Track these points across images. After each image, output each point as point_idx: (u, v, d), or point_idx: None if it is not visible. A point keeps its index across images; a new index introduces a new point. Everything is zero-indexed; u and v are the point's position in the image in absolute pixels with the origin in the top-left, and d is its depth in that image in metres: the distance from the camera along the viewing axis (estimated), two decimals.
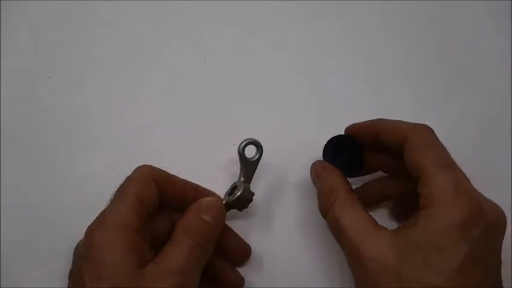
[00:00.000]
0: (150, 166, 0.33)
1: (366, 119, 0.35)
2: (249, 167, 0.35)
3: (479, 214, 0.27)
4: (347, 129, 0.36)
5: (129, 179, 0.33)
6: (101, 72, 0.44)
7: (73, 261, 0.31)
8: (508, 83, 0.43)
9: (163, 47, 0.45)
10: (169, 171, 0.34)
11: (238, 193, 0.34)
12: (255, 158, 0.35)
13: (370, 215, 0.31)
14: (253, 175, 0.35)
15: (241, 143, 0.34)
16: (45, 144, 0.42)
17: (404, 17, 0.46)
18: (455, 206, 0.27)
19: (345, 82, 0.44)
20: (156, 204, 0.33)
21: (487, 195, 0.29)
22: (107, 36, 0.46)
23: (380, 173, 0.37)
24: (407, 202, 0.34)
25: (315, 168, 0.35)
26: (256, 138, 0.35)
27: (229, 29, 0.46)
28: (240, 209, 0.35)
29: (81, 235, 0.30)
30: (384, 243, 0.28)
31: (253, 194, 0.35)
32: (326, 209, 0.32)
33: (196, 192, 0.34)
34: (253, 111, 0.43)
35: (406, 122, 0.32)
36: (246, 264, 0.38)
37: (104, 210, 0.31)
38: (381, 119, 0.34)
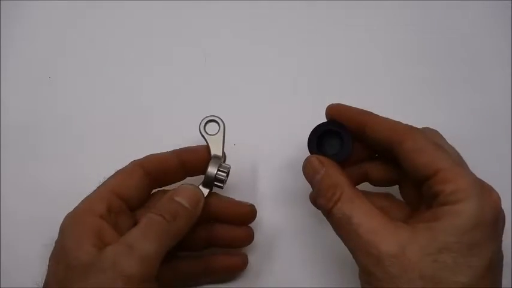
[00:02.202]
0: (142, 158, 0.34)
1: None
2: (214, 143, 0.35)
3: (501, 211, 0.28)
4: (330, 109, 0.33)
5: (115, 172, 0.34)
6: (101, 73, 0.44)
7: None
8: (508, 83, 0.43)
9: (163, 47, 0.45)
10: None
11: (209, 168, 0.34)
12: (218, 132, 0.35)
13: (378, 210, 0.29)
14: (222, 149, 0.35)
15: (201, 122, 0.35)
16: (45, 144, 0.42)
17: (404, 17, 0.46)
18: (485, 204, 0.27)
19: (343, 79, 0.44)
20: (141, 195, 0.34)
21: None
22: (107, 36, 0.46)
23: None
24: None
25: (311, 164, 0.32)
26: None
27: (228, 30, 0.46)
28: (221, 185, 0.34)
29: None
30: (404, 241, 0.27)
31: (228, 167, 0.34)
32: (329, 206, 0.30)
33: (189, 155, 0.35)
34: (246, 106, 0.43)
35: (399, 122, 0.31)
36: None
37: None
38: (368, 111, 0.32)
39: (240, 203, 0.36)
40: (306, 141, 0.33)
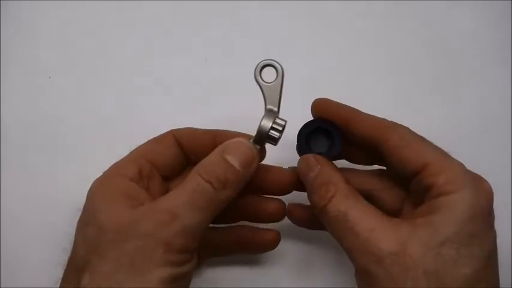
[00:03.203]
0: (178, 128, 0.33)
1: None
2: (270, 92, 0.30)
3: (493, 199, 0.27)
4: (316, 104, 0.32)
5: (147, 140, 0.33)
6: (101, 73, 0.44)
7: None
8: (508, 83, 0.43)
9: (163, 47, 0.45)
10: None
11: (262, 122, 0.30)
12: (275, 80, 0.30)
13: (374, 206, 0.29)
14: (279, 101, 0.31)
15: (256, 67, 0.30)
16: (45, 144, 0.42)
17: (404, 17, 0.46)
18: (479, 193, 0.27)
19: (344, 79, 0.44)
20: (174, 164, 0.32)
21: None
22: (107, 36, 0.46)
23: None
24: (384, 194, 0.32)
25: (307, 162, 0.31)
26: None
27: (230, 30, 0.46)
28: (274, 143, 0.31)
29: None
30: (404, 237, 0.26)
31: (283, 123, 0.30)
32: (323, 203, 0.28)
33: (224, 139, 0.31)
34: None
35: (384, 118, 0.31)
36: None
37: None
38: (352, 107, 0.32)
39: (280, 169, 0.33)
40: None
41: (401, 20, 0.46)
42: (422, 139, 0.29)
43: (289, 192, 0.34)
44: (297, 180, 0.32)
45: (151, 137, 0.34)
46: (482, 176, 0.29)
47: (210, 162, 0.29)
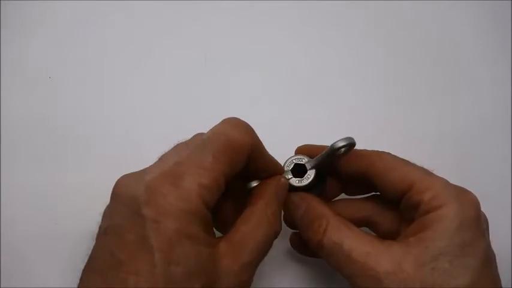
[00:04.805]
0: (246, 124, 0.29)
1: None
2: (331, 160, 0.31)
3: (482, 212, 0.28)
4: (300, 151, 0.34)
5: (221, 135, 0.27)
6: (101, 73, 0.45)
7: (118, 206, 0.26)
8: (508, 83, 0.43)
9: (164, 48, 0.46)
10: None
11: (309, 180, 0.32)
12: (342, 152, 0.31)
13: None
14: (328, 166, 0.32)
15: (339, 142, 0.29)
16: (46, 144, 0.42)
17: (405, 17, 0.46)
18: (464, 203, 0.28)
19: (341, 82, 0.45)
20: (236, 174, 0.28)
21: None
22: (107, 36, 0.46)
23: None
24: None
25: (293, 200, 0.32)
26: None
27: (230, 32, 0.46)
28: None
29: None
30: (398, 256, 0.27)
31: (305, 184, 0.32)
32: (318, 237, 0.30)
33: (275, 171, 0.32)
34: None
35: (365, 149, 0.32)
36: None
37: (179, 162, 0.26)
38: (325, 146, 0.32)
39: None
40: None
41: (400, 22, 0.46)
42: (405, 161, 0.31)
43: None
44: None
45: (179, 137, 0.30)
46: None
47: (272, 206, 0.29)
